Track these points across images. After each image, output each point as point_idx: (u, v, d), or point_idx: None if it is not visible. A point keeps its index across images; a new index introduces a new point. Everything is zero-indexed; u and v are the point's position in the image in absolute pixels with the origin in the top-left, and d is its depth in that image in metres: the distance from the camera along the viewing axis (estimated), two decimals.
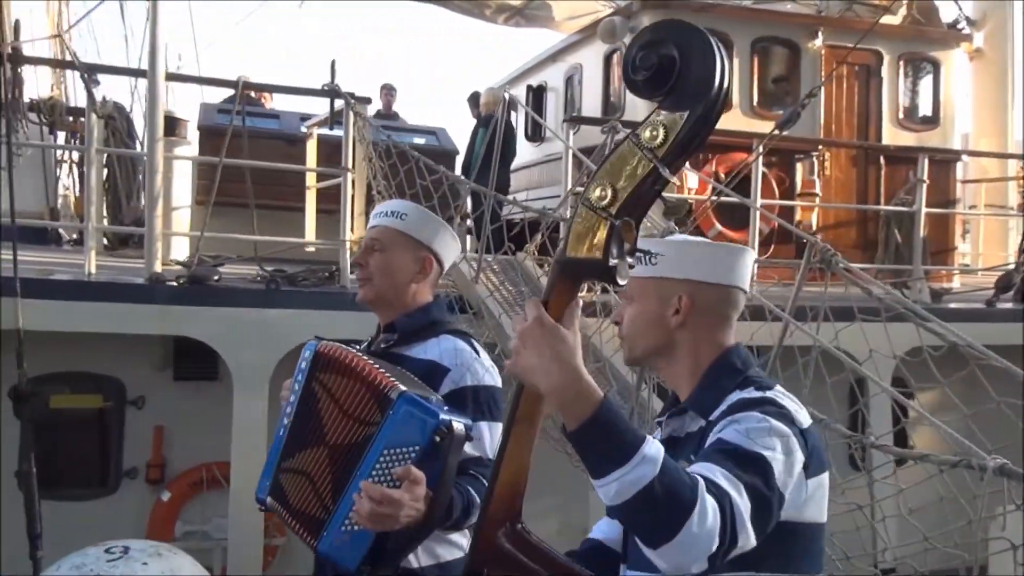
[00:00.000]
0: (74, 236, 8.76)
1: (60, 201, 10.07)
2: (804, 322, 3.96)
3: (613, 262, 1.25)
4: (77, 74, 8.55)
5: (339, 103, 5.96)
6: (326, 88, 5.95)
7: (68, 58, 8.77)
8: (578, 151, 6.19)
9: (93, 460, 6.22)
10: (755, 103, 8.44)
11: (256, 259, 5.88)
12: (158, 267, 5.44)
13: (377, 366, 2.12)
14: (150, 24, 5.36)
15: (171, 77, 6.20)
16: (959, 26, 10.20)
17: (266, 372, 5.34)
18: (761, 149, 6.83)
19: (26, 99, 7.83)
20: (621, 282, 1.26)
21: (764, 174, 8.00)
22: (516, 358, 1.31)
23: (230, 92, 8.80)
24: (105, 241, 8.30)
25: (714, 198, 7.24)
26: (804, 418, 1.57)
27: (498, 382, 2.26)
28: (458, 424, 2.03)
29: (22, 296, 4.96)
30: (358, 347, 2.40)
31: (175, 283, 5.34)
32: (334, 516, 2.08)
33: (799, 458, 1.49)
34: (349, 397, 2.12)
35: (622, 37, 8.32)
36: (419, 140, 9.27)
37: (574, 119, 6.81)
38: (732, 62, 8.32)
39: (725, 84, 1.19)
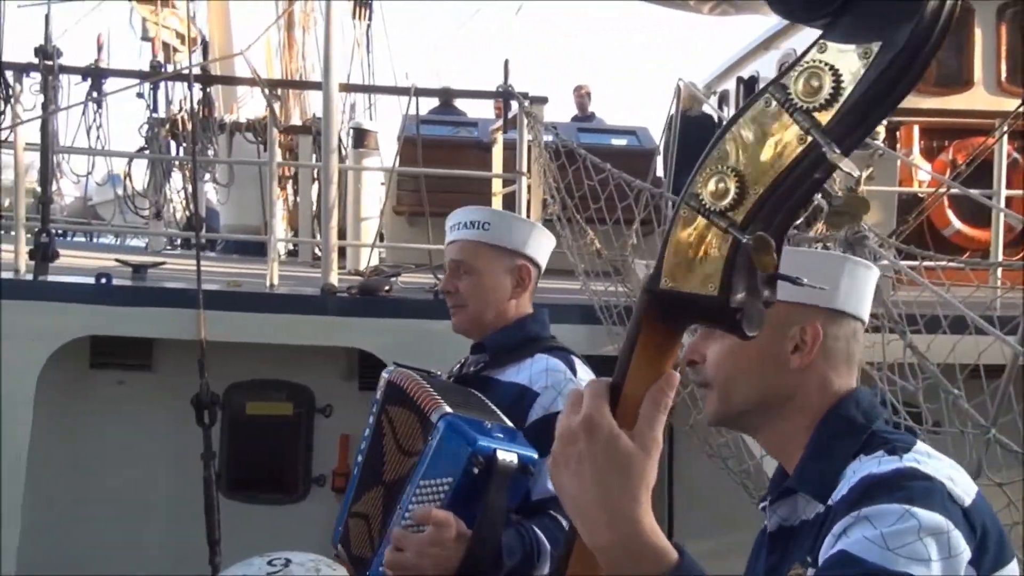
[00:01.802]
0: (290, 247, 9.15)
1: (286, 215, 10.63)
2: None
3: (738, 300, 0.73)
4: (291, 92, 8.97)
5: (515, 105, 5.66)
6: (500, 90, 5.66)
7: (280, 77, 9.22)
8: None
9: (285, 466, 6.32)
10: (1003, 78, 7.17)
11: (431, 268, 5.68)
12: (334, 279, 5.39)
13: (432, 391, 1.81)
14: (324, 35, 5.30)
15: (345, 88, 6.18)
16: None
17: None
18: (1005, 128, 5.71)
19: (243, 119, 8.30)
20: (750, 333, 0.75)
21: (1016, 160, 6.78)
22: (553, 470, 0.83)
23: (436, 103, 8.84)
24: (318, 252, 8.61)
25: (943, 191, 6.19)
26: (965, 487, 1.07)
27: None
28: (506, 455, 1.66)
29: (205, 308, 5.10)
30: (444, 372, 2.17)
31: (346, 294, 5.25)
32: (374, 560, 1.84)
33: (964, 558, 1.00)
34: (405, 428, 1.88)
35: None
36: (619, 141, 8.83)
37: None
38: (972, 32, 7.13)
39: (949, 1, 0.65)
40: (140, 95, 6.98)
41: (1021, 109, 5.39)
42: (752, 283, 0.74)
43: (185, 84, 6.89)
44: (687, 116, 8.90)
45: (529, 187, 5.71)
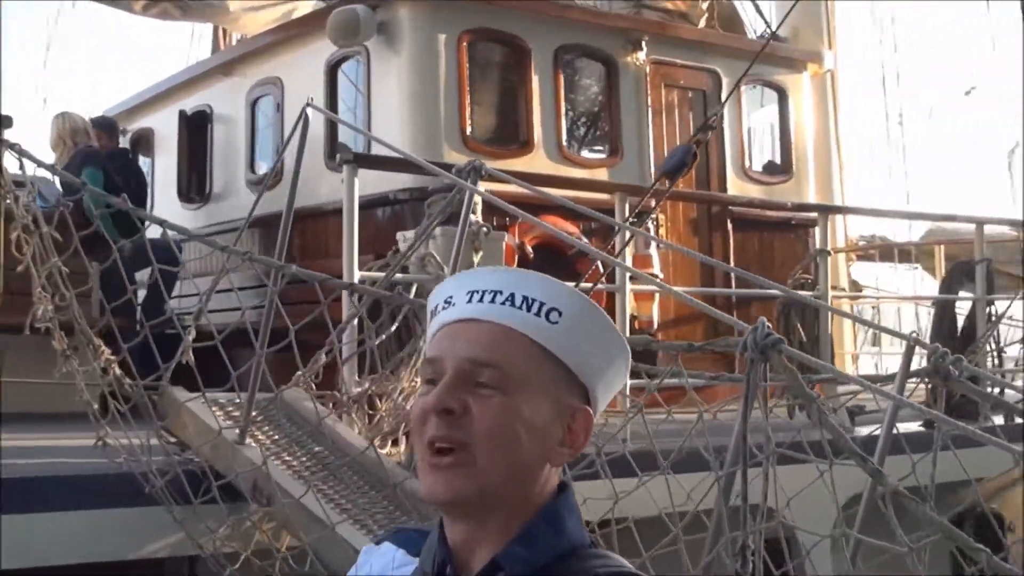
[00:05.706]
0: None
1: None
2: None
3: None
4: None
5: None
6: None
7: None
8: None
9: None
10: (564, 140, 7.88)
11: None
12: None
13: None
14: None
15: None
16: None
17: None
18: (628, 210, 6.24)
19: None
20: None
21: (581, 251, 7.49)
22: None
23: None
24: None
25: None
26: None
27: None
28: None
29: None
30: None
31: None
32: None
33: None
34: None
35: (367, 37, 7.33)
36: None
37: (361, 158, 5.67)
38: (530, 78, 7.76)
39: None
40: None
41: (663, 184, 5.92)
42: None
43: None
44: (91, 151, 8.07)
45: None
